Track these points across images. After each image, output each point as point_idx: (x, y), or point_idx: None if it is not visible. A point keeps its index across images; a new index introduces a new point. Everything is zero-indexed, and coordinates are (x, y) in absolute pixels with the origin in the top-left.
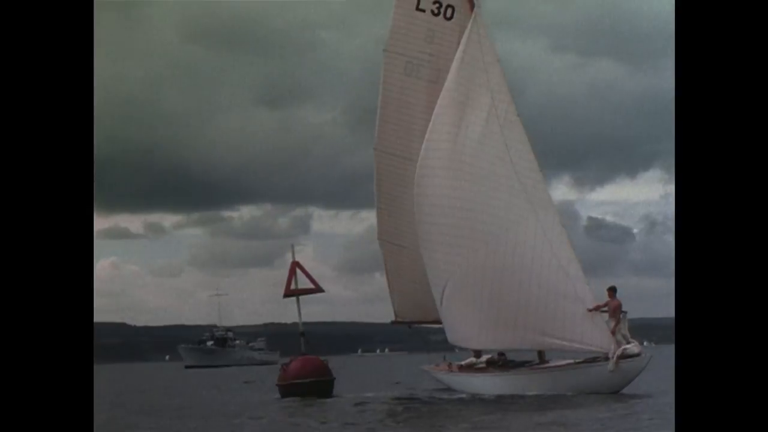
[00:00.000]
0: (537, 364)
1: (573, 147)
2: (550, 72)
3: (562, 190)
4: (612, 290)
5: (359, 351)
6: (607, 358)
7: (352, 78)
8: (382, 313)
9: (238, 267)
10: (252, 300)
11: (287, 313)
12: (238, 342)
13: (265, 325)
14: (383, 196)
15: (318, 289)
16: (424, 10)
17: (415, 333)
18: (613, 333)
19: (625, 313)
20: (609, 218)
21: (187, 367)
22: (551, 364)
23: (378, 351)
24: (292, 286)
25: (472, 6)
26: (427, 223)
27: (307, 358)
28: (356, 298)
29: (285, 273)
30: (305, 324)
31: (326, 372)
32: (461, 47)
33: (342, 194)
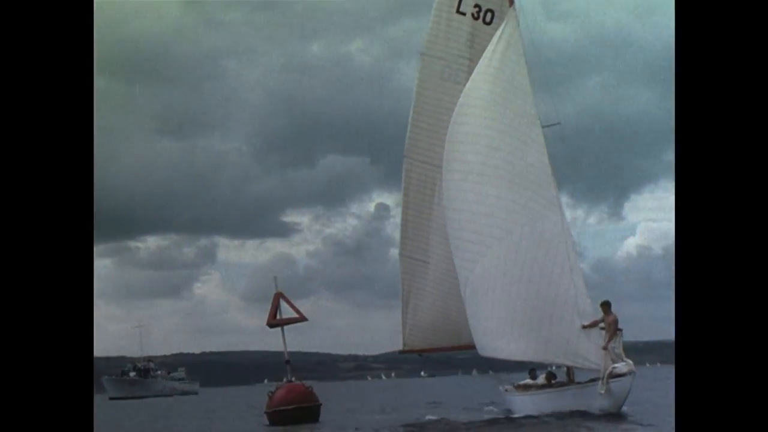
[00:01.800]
0: (563, 382)
1: None
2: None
3: None
4: (606, 305)
5: (265, 380)
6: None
7: (256, 106)
8: (290, 341)
9: (146, 298)
10: (160, 330)
11: (195, 343)
12: (159, 372)
13: (175, 355)
14: (410, 207)
15: (302, 318)
16: (464, 14)
17: (323, 361)
18: (605, 349)
19: (621, 330)
20: None
21: (111, 398)
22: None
23: (285, 380)
24: (278, 316)
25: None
26: (454, 229)
27: (292, 385)
28: (263, 327)
29: (192, 304)
30: (210, 354)
31: (312, 398)
32: (488, 51)
33: (248, 224)
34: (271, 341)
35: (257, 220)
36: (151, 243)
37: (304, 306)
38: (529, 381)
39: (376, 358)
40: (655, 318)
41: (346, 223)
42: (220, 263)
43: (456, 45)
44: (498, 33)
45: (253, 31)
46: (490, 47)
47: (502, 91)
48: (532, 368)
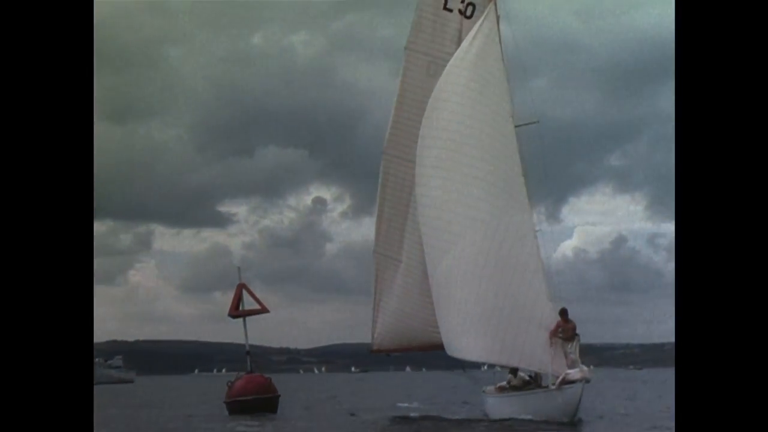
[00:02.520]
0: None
1: None
2: (393, 96)
3: None
4: (564, 312)
5: (196, 371)
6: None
7: (198, 95)
8: (224, 332)
9: None
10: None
11: (128, 330)
12: (97, 360)
13: (108, 342)
14: (386, 204)
15: (264, 310)
16: (451, 10)
17: (255, 353)
18: (565, 356)
19: (578, 336)
20: None
21: None
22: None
23: (215, 371)
24: (241, 307)
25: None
26: (423, 224)
27: (251, 375)
28: (198, 317)
29: (126, 291)
30: (144, 342)
31: (271, 389)
32: (465, 44)
33: (185, 212)
34: (204, 332)
35: (194, 209)
36: None
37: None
38: (504, 383)
39: (309, 352)
40: (593, 321)
41: (283, 216)
42: (156, 251)
43: (442, 41)
44: (476, 26)
45: (196, 18)
46: (467, 40)
47: (477, 86)
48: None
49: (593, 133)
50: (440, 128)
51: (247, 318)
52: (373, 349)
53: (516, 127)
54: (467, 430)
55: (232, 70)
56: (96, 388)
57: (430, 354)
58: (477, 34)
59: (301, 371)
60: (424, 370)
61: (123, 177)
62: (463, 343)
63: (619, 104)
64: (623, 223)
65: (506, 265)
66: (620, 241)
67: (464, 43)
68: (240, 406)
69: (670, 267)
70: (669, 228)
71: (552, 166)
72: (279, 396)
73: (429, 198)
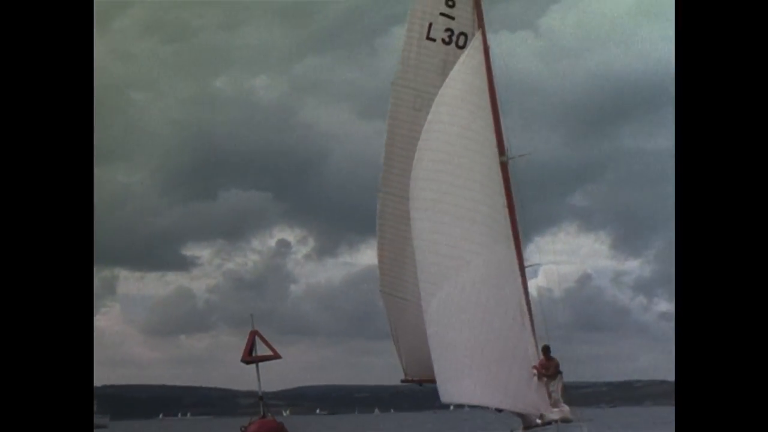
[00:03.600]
0: None
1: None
2: (357, 138)
3: (369, 255)
4: (546, 350)
5: (160, 415)
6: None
7: (161, 138)
8: (190, 376)
9: None
10: None
11: (96, 375)
12: None
13: None
14: (386, 243)
15: (276, 356)
16: (434, 39)
17: (222, 397)
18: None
19: (561, 374)
20: None
21: None
22: None
23: (179, 415)
24: (253, 353)
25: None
26: (417, 267)
27: (264, 420)
28: (163, 360)
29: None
30: (110, 387)
31: None
32: (450, 77)
33: (149, 256)
34: (169, 376)
35: (158, 253)
36: None
37: (204, 340)
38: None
39: (275, 395)
40: (561, 360)
41: (247, 258)
42: (120, 295)
43: (426, 73)
44: (462, 56)
45: (160, 63)
46: (453, 72)
47: (462, 121)
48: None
49: (556, 172)
50: (428, 168)
51: (186, 360)
52: (405, 379)
53: (510, 159)
54: None
55: (196, 114)
56: None
57: (396, 395)
58: (463, 66)
59: (270, 414)
60: (392, 410)
61: None
62: (454, 388)
63: (581, 145)
64: (588, 261)
65: (489, 304)
66: (585, 279)
67: (450, 75)
68: None
69: (636, 304)
70: (633, 266)
71: (519, 205)
72: None
73: (419, 240)
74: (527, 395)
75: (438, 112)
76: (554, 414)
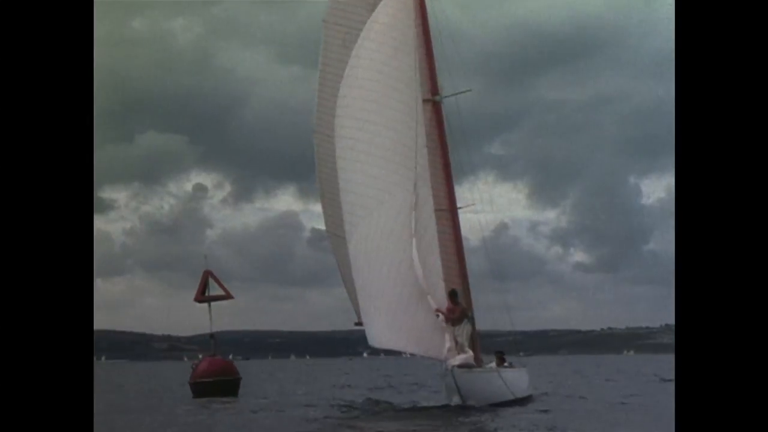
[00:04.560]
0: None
1: (298, 158)
2: (275, 83)
3: (286, 201)
4: (453, 294)
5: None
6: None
7: None
8: (104, 319)
9: None
10: None
11: None
12: None
13: None
14: (324, 183)
15: (228, 296)
16: None
17: (137, 341)
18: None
19: (469, 319)
20: None
21: None
22: None
23: (95, 359)
24: (206, 293)
25: None
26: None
27: (214, 358)
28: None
29: None
30: None
31: (232, 371)
32: (377, 10)
33: None
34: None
35: None
36: None
37: (120, 284)
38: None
39: (190, 340)
40: (477, 308)
41: (163, 202)
42: None
43: (357, 10)
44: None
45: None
46: (379, 7)
47: (383, 57)
48: (499, 351)
49: (474, 121)
50: (349, 105)
51: (102, 305)
52: (357, 322)
53: (446, 97)
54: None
55: (111, 55)
56: None
57: (311, 340)
58: (390, 0)
59: (186, 359)
60: (307, 357)
61: None
62: (373, 332)
63: (498, 94)
64: (505, 211)
65: (395, 247)
66: (502, 228)
67: (376, 11)
68: (203, 387)
69: (552, 253)
70: (550, 215)
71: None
72: (240, 378)
73: (341, 180)
74: (431, 339)
75: (362, 47)
76: (456, 360)
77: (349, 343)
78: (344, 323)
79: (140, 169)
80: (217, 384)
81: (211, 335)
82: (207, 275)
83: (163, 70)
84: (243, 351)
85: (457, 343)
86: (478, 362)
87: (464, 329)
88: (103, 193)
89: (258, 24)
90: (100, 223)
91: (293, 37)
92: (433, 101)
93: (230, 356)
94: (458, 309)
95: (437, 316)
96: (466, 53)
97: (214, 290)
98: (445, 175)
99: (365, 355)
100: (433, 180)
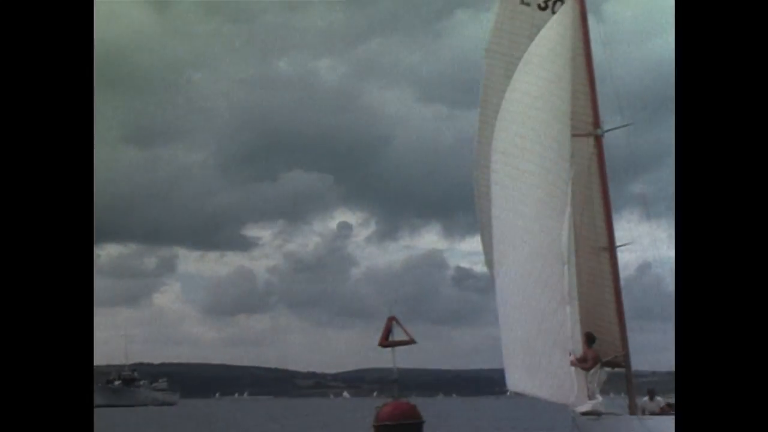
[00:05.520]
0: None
1: (442, 196)
2: (419, 122)
3: (431, 239)
4: (590, 338)
5: (217, 395)
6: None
7: (222, 119)
8: (247, 355)
9: (105, 306)
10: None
11: (154, 352)
12: (142, 382)
13: (133, 365)
14: (484, 216)
15: (411, 341)
16: (528, 4)
17: (281, 378)
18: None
19: (600, 365)
20: (477, 268)
21: (96, 406)
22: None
23: (236, 395)
24: (390, 338)
25: None
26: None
27: (398, 402)
28: (221, 340)
29: (152, 312)
30: (169, 365)
31: (415, 415)
32: (535, 41)
33: (209, 236)
34: (227, 355)
35: (218, 233)
36: (111, 251)
37: (263, 321)
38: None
39: (335, 377)
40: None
41: (308, 240)
42: (180, 274)
43: (520, 39)
44: (551, 21)
45: (221, 43)
46: (538, 38)
47: (536, 90)
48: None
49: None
50: (504, 139)
51: (237, 340)
52: None
53: (607, 131)
54: None
55: (257, 95)
56: (145, 410)
57: (457, 378)
58: (549, 31)
59: (332, 396)
60: (454, 395)
61: (147, 200)
62: (506, 373)
63: (643, 133)
64: (649, 250)
65: (533, 288)
66: (645, 267)
67: (535, 41)
68: (386, 430)
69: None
70: None
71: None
72: (424, 422)
73: (494, 218)
74: (562, 386)
75: (517, 80)
76: (584, 406)
77: (493, 382)
78: (487, 361)
79: (285, 208)
80: (401, 427)
81: (395, 380)
82: (391, 321)
83: (308, 110)
84: (390, 390)
85: (588, 389)
86: (632, 409)
87: (596, 375)
88: (248, 231)
89: (401, 63)
90: (243, 260)
91: (435, 77)
92: (595, 135)
93: (374, 394)
94: (593, 353)
95: (571, 362)
96: (612, 89)
97: (398, 335)
98: (605, 212)
99: (509, 393)
100: (588, 216)
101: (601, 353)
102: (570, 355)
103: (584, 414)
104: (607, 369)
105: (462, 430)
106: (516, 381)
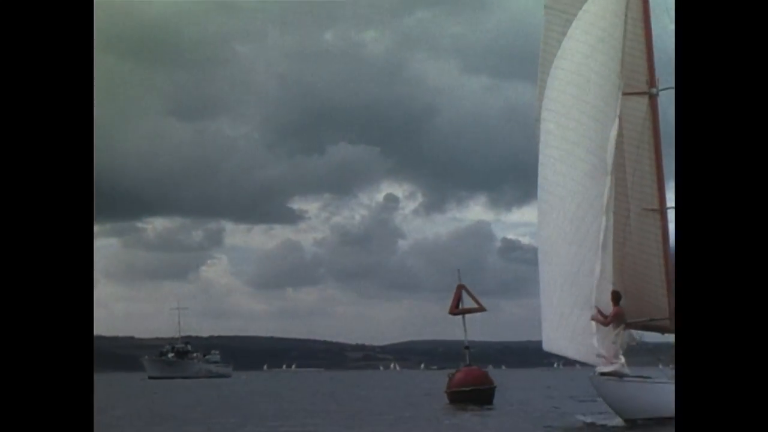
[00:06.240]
0: None
1: (489, 168)
2: (464, 93)
3: (477, 211)
4: (616, 296)
5: (264, 367)
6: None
7: (267, 92)
8: (296, 329)
9: (152, 279)
10: (166, 313)
11: (203, 325)
12: (195, 355)
13: (184, 337)
14: None
15: (481, 309)
16: None
17: (330, 350)
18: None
19: (624, 325)
20: (524, 240)
21: (150, 378)
22: None
23: (284, 366)
24: (459, 306)
25: None
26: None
27: (470, 368)
28: (269, 313)
29: (200, 286)
30: (218, 338)
31: (487, 380)
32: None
33: (255, 209)
34: (276, 328)
35: (265, 206)
36: (158, 224)
37: (312, 293)
38: None
39: (383, 349)
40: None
41: (354, 212)
42: (227, 247)
43: None
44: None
45: (266, 16)
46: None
47: (586, 48)
48: None
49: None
50: (553, 98)
51: (316, 314)
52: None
53: (662, 90)
54: None
55: (303, 67)
56: (203, 382)
57: (505, 350)
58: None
59: (381, 368)
60: (503, 367)
61: (193, 174)
62: (547, 336)
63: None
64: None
65: (579, 245)
66: None
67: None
68: (459, 396)
69: None
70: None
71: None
72: (495, 387)
73: (540, 176)
74: (588, 344)
75: (570, 38)
76: (606, 367)
77: (542, 354)
78: (535, 333)
79: (331, 180)
80: (474, 393)
81: (467, 347)
82: (461, 289)
83: (354, 82)
84: (437, 361)
85: (611, 349)
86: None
87: (620, 336)
88: (294, 203)
89: (446, 34)
90: (290, 233)
91: (480, 48)
92: (650, 94)
93: (422, 366)
94: (616, 311)
95: (592, 317)
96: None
97: (468, 303)
98: (657, 173)
99: (555, 365)
100: (638, 177)
101: (640, 314)
102: (593, 308)
103: (603, 375)
104: (640, 332)
105: (530, 394)
106: (549, 340)
